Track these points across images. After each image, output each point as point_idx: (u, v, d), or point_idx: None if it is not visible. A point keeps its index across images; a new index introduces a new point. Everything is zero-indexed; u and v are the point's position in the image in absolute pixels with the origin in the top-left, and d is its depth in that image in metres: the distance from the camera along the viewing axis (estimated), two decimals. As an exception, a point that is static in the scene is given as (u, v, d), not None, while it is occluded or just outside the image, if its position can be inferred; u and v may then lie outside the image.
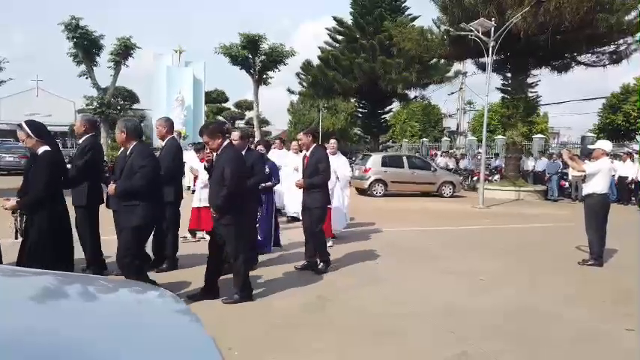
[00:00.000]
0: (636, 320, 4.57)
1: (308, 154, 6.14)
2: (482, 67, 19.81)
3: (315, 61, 28.65)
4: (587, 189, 7.13)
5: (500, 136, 25.70)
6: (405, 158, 17.96)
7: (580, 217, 7.43)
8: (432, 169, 17.88)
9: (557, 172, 18.21)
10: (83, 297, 2.05)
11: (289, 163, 9.50)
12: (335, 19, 28.64)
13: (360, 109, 31.90)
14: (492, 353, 3.83)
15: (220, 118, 49.47)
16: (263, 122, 42.80)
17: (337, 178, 7.70)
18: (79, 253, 5.42)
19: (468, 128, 42.02)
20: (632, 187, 16.58)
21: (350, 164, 15.45)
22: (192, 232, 7.57)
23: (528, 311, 4.92)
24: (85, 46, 27.49)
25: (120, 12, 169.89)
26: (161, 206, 5.35)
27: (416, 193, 17.10)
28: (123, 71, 28.91)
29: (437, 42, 19.18)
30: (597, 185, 6.97)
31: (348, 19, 28.32)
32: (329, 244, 7.21)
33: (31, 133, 4.32)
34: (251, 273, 5.86)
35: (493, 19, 14.58)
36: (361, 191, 16.74)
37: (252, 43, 29.98)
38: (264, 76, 32.03)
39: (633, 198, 16.56)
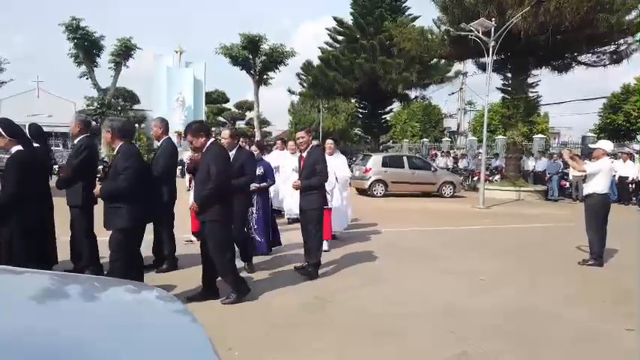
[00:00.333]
0: (636, 320, 4.57)
1: (305, 154, 5.97)
2: (483, 67, 19.81)
3: (316, 62, 28.69)
4: (588, 189, 7.13)
5: (500, 136, 25.69)
6: (405, 158, 17.97)
7: (580, 217, 7.43)
8: (432, 169, 17.89)
9: (557, 172, 18.21)
10: (82, 297, 2.06)
11: (289, 164, 9.48)
12: (335, 19, 28.66)
13: (361, 110, 31.91)
14: (492, 353, 3.83)
15: (221, 118, 49.56)
16: (263, 123, 42.88)
17: (336, 178, 7.59)
18: (66, 255, 5.45)
19: (469, 128, 41.98)
20: (633, 187, 16.57)
21: (350, 164, 15.52)
22: (197, 235, 7.52)
23: (528, 311, 4.92)
24: (86, 46, 27.58)
25: (120, 12, 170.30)
26: (157, 206, 5.38)
27: (416, 194, 17.10)
28: (123, 72, 29.04)
29: (437, 42, 19.20)
30: (598, 185, 6.96)
31: (349, 20, 28.35)
32: (325, 247, 7.19)
33: (2, 132, 4.22)
34: (251, 274, 5.90)
35: (493, 19, 14.58)
36: (361, 191, 16.75)
37: (252, 43, 30.06)
38: (265, 77, 32.13)
39: (634, 198, 16.55)
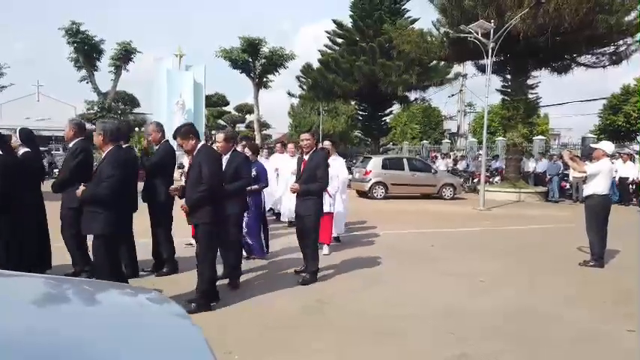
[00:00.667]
0: (637, 321, 4.56)
1: (306, 157, 5.76)
2: (482, 69, 19.83)
3: (316, 64, 28.74)
4: (588, 190, 7.12)
5: (500, 138, 25.71)
6: (405, 160, 17.97)
7: (581, 219, 7.43)
8: (432, 171, 17.89)
9: (558, 174, 18.20)
10: (81, 300, 2.07)
11: (289, 167, 9.47)
12: (335, 22, 28.72)
13: (361, 112, 31.94)
14: (492, 354, 3.83)
15: (221, 121, 49.61)
16: (264, 125, 42.94)
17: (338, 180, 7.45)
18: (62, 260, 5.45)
19: (469, 130, 42.02)
20: (634, 187, 16.56)
21: (350, 167, 15.51)
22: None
23: (528, 312, 4.92)
24: (86, 50, 27.66)
25: (119, 12, 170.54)
26: (155, 211, 5.33)
27: (416, 196, 17.10)
28: (123, 75, 29.14)
29: (436, 44, 19.21)
30: (598, 186, 6.96)
31: (348, 22, 28.40)
32: (325, 251, 7.17)
33: None
34: (251, 275, 5.90)
35: (492, 20, 14.59)
36: (362, 194, 16.75)
37: (252, 46, 30.12)
38: (265, 80, 32.19)
39: (634, 199, 16.55)
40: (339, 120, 45.05)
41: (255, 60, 30.94)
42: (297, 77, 29.95)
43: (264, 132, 42.16)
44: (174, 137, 4.79)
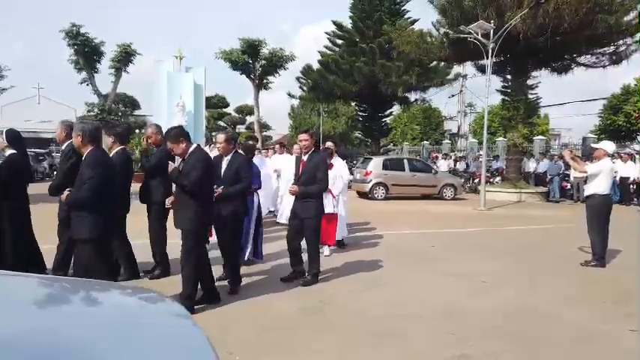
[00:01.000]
0: (637, 321, 4.56)
1: (305, 158, 5.61)
2: (482, 70, 19.85)
3: (316, 65, 28.74)
4: (589, 190, 7.12)
5: (501, 138, 25.70)
6: (405, 161, 17.99)
7: (581, 219, 7.43)
8: (433, 171, 17.90)
9: (558, 174, 18.20)
10: (82, 300, 2.08)
11: (291, 169, 9.44)
12: (335, 23, 28.73)
13: (361, 113, 31.95)
14: (492, 354, 3.83)
15: (221, 123, 49.59)
16: (264, 127, 42.89)
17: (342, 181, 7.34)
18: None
19: (469, 130, 42.01)
20: (634, 187, 16.55)
21: (350, 168, 15.50)
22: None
23: (528, 312, 4.92)
24: (86, 53, 27.67)
25: (119, 12, 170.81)
26: (158, 213, 5.29)
27: (417, 196, 17.09)
28: (124, 77, 29.09)
29: (436, 45, 19.23)
30: (599, 186, 6.96)
31: (348, 23, 28.41)
32: (326, 253, 7.14)
33: None
34: (251, 276, 5.89)
35: (492, 21, 14.61)
36: (362, 194, 16.76)
37: (252, 48, 30.12)
38: (265, 81, 32.17)
39: (635, 198, 16.54)
40: (339, 121, 45.10)
41: (255, 61, 30.94)
42: (298, 78, 29.99)
43: (264, 133, 42.13)
44: (165, 141, 4.73)
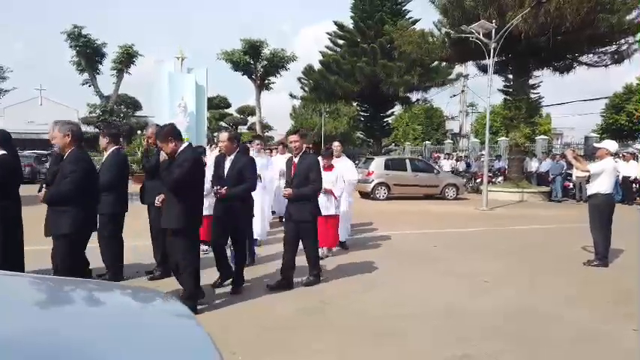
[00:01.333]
0: (638, 320, 4.55)
1: (296, 160, 5.49)
2: (484, 69, 19.81)
3: (317, 66, 28.77)
4: (592, 189, 7.11)
5: (503, 138, 25.66)
6: (407, 161, 17.99)
7: (584, 218, 7.42)
8: (434, 171, 17.89)
9: (560, 173, 18.17)
10: (83, 299, 2.09)
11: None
12: (336, 23, 28.76)
13: (363, 113, 31.96)
14: (493, 354, 3.83)
15: (223, 124, 49.63)
16: (265, 127, 42.95)
17: (344, 182, 7.27)
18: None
19: (471, 130, 41.99)
20: (637, 186, 16.52)
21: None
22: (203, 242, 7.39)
23: (529, 312, 4.92)
24: (88, 54, 27.73)
25: (120, 12, 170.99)
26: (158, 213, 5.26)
27: (419, 196, 17.09)
28: (125, 78, 29.12)
29: (438, 45, 19.23)
30: (601, 185, 6.95)
31: (349, 24, 28.43)
32: (326, 254, 7.16)
33: None
34: (252, 277, 5.90)
35: (494, 21, 14.61)
36: (364, 194, 16.75)
37: (253, 48, 30.17)
38: (266, 82, 32.21)
39: (637, 198, 16.50)
40: (341, 121, 45.10)
41: (256, 62, 30.99)
42: (299, 79, 30.05)
43: (266, 134, 42.15)
44: (155, 140, 4.69)
